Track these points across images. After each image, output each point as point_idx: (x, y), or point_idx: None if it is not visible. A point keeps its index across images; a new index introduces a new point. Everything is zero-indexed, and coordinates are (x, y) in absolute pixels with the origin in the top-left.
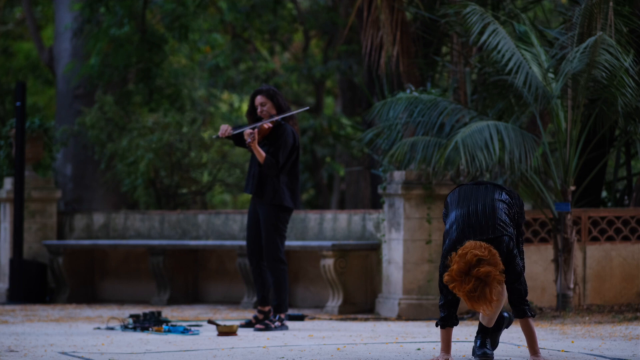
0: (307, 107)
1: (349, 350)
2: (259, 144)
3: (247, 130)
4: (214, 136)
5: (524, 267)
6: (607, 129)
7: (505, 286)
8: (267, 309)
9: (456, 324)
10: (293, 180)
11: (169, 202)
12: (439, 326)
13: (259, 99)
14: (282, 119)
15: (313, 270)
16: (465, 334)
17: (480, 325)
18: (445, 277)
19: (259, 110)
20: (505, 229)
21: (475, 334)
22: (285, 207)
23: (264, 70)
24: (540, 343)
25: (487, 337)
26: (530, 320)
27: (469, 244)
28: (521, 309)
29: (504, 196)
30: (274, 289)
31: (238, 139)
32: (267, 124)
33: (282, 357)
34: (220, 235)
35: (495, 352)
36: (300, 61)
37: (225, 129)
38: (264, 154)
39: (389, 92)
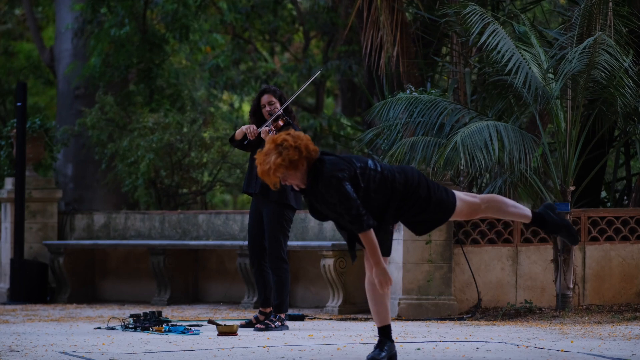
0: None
1: (349, 350)
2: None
3: (265, 128)
4: (245, 142)
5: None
6: (607, 129)
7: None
8: (268, 310)
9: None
10: None
11: (169, 202)
12: (372, 228)
13: (266, 97)
14: (288, 117)
15: (313, 270)
16: (465, 334)
17: (379, 330)
18: None
19: (267, 108)
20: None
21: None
22: (290, 206)
23: (264, 71)
24: (540, 343)
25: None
26: (368, 234)
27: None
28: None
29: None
30: (276, 288)
31: (254, 142)
32: (281, 120)
33: (282, 357)
34: (220, 235)
35: (495, 352)
36: (300, 61)
37: (252, 130)
38: None
39: (389, 93)
